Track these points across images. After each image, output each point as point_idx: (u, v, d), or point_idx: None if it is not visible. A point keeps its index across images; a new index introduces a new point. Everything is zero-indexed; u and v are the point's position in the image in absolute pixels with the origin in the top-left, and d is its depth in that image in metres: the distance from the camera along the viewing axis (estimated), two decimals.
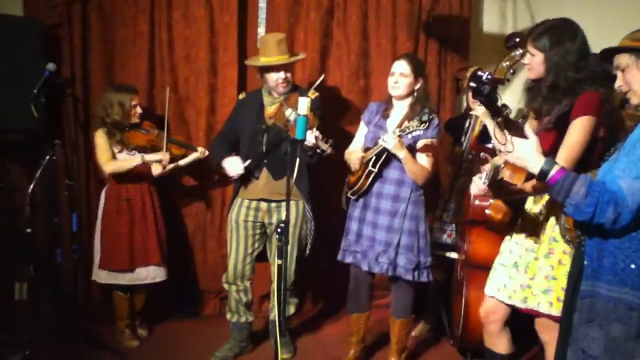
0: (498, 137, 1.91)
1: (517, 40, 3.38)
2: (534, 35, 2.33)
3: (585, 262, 1.88)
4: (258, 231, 3.38)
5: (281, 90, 3.29)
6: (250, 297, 3.44)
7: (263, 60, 3.28)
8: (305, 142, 2.88)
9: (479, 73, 1.94)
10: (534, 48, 2.32)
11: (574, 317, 1.90)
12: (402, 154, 2.88)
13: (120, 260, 3.38)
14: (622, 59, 1.87)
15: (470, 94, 3.56)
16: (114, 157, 3.41)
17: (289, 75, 3.28)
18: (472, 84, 1.89)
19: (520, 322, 2.51)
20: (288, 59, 3.27)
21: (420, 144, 2.99)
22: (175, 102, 3.89)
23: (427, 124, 2.79)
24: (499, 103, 1.89)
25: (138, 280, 3.46)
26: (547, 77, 2.28)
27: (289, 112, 3.08)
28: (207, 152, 3.65)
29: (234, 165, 3.29)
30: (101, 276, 3.44)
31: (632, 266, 1.76)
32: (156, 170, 3.53)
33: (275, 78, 3.26)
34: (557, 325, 2.34)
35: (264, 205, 3.34)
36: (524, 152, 1.88)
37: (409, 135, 2.87)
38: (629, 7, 3.67)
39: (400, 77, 3.00)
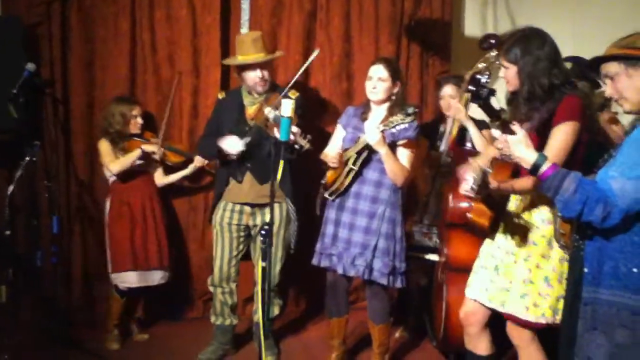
0: (497, 138, 1.92)
1: (492, 41, 3.41)
2: (505, 48, 2.36)
3: (585, 269, 1.89)
4: (242, 234, 3.38)
5: (259, 89, 3.27)
6: (235, 300, 3.43)
7: (240, 59, 3.27)
8: None
9: (478, 76, 1.95)
10: (507, 61, 2.35)
11: (578, 325, 1.90)
12: (384, 150, 2.88)
13: (126, 262, 3.45)
14: (611, 67, 1.88)
15: (444, 100, 3.59)
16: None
17: (265, 73, 3.25)
18: (471, 87, 1.91)
19: (503, 323, 2.54)
20: (265, 57, 3.25)
21: (400, 143, 3.00)
22: (156, 104, 3.87)
23: (413, 116, 2.79)
24: (497, 107, 1.92)
25: (146, 283, 3.52)
26: (523, 87, 2.31)
27: (268, 110, 3.04)
28: (206, 161, 3.65)
29: (232, 143, 3.19)
30: (115, 280, 3.50)
31: (635, 270, 1.77)
32: (159, 180, 3.66)
33: (252, 77, 3.24)
34: (529, 329, 2.38)
35: (247, 208, 3.33)
36: (515, 148, 1.91)
37: (393, 130, 2.87)
38: (606, 12, 3.74)
39: (378, 81, 2.99)
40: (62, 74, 3.74)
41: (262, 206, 3.29)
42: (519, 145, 1.91)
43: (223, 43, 3.93)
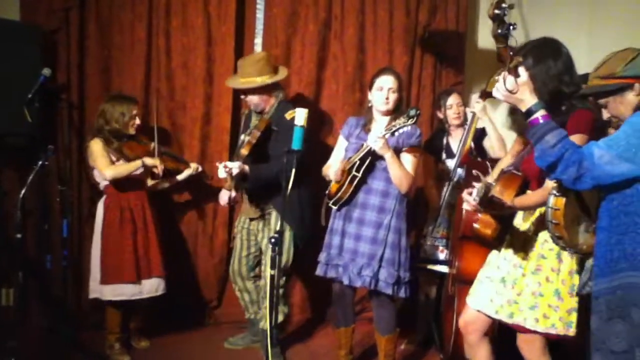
0: (507, 83, 1.94)
1: (510, 53, 3.39)
2: (522, 55, 2.33)
3: (592, 263, 1.94)
4: (253, 237, 3.55)
5: (252, 109, 3.49)
6: (253, 297, 3.57)
7: (241, 81, 3.47)
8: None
9: (504, 5, 1.96)
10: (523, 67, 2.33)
11: (591, 322, 1.92)
12: (388, 154, 2.87)
13: (126, 272, 3.30)
14: (601, 99, 1.97)
15: (453, 109, 3.59)
16: (112, 163, 3.35)
17: (249, 98, 3.43)
18: (497, 11, 1.92)
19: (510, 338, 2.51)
20: (241, 83, 3.43)
21: (404, 150, 3.00)
22: (170, 111, 3.90)
23: (415, 119, 2.78)
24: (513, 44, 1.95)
25: (143, 294, 3.39)
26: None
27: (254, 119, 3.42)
28: (200, 168, 3.70)
29: (221, 198, 3.61)
30: (104, 292, 3.33)
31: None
32: (149, 182, 3.55)
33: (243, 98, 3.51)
34: (540, 342, 2.37)
35: (254, 223, 3.54)
36: (522, 89, 1.93)
37: (396, 134, 2.87)
38: (622, 23, 3.70)
39: (390, 92, 3.01)
40: (78, 79, 3.77)
41: (262, 222, 3.50)
42: (524, 87, 1.93)
43: (237, 52, 3.95)
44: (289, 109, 3.33)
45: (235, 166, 3.20)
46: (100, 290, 3.35)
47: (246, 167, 3.25)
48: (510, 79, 1.93)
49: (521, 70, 1.94)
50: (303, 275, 3.86)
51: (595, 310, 1.91)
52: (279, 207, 3.34)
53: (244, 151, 3.25)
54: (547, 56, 2.27)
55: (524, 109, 1.94)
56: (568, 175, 1.81)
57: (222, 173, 3.22)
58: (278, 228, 3.24)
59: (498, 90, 1.98)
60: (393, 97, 3.01)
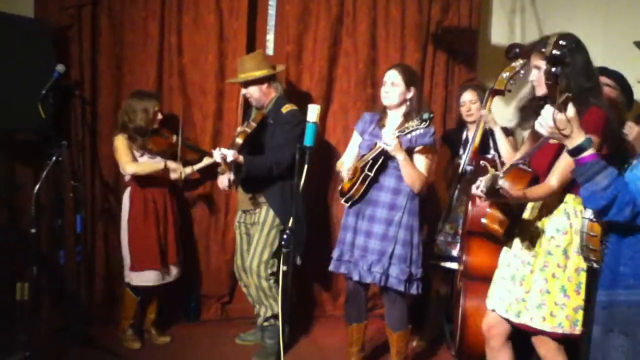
0: (557, 120, 1.84)
1: (517, 50, 3.37)
2: (540, 47, 2.29)
3: (603, 272, 1.90)
4: (250, 232, 3.61)
5: (252, 104, 3.57)
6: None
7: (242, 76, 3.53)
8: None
9: (562, 42, 1.91)
10: (542, 60, 2.27)
11: (593, 331, 1.90)
12: (401, 156, 2.86)
13: (152, 260, 3.45)
14: None
15: (465, 106, 3.55)
16: (135, 159, 3.46)
17: (248, 91, 3.50)
18: (556, 52, 1.89)
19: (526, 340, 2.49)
20: (242, 78, 3.48)
21: (417, 149, 2.98)
22: (183, 106, 3.91)
23: (428, 122, 2.76)
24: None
25: (164, 280, 3.53)
26: (559, 86, 2.20)
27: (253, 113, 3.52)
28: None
29: (220, 182, 3.62)
30: (132, 278, 3.48)
31: None
32: (174, 174, 3.58)
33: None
34: (553, 340, 2.34)
35: (248, 217, 3.60)
36: (572, 124, 1.85)
37: (408, 136, 2.85)
38: (637, 22, 3.67)
39: (391, 86, 2.99)
40: (91, 75, 3.78)
41: (251, 215, 3.56)
42: (572, 123, 1.84)
43: (249, 48, 3.95)
44: (286, 103, 3.44)
45: (229, 153, 3.22)
46: (130, 276, 3.49)
47: (240, 157, 3.28)
48: (560, 116, 1.82)
49: (569, 105, 1.84)
50: (312, 273, 3.86)
51: (598, 320, 1.90)
52: (270, 200, 3.44)
53: (239, 140, 3.31)
54: (572, 48, 2.21)
55: (570, 146, 1.84)
56: (623, 217, 1.77)
57: (217, 157, 3.26)
58: (269, 222, 3.45)
59: (542, 126, 1.88)
60: (394, 91, 2.98)
